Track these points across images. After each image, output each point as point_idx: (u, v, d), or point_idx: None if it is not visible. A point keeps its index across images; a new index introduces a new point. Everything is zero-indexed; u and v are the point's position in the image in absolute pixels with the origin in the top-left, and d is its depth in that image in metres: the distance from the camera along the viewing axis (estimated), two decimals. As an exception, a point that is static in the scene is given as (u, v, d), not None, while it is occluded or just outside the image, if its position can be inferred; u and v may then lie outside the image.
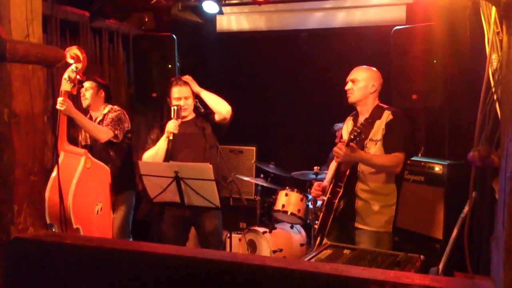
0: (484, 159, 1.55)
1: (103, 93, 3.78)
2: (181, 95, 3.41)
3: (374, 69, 3.13)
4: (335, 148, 2.89)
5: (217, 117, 3.42)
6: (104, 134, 3.56)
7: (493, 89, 1.61)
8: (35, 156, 1.92)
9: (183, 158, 3.34)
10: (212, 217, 3.43)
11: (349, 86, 3.07)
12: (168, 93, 3.48)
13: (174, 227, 3.48)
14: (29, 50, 1.84)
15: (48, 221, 3.13)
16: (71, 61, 3.20)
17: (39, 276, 1.86)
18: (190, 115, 3.50)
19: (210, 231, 3.45)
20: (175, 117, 3.30)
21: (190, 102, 3.46)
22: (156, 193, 3.15)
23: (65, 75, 3.22)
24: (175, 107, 3.31)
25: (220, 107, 3.42)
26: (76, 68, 3.21)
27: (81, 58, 3.20)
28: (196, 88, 3.47)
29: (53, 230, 3.13)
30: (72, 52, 3.19)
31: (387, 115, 3.00)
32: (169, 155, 3.32)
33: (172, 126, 3.28)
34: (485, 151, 1.54)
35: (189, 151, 3.40)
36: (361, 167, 2.99)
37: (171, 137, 3.27)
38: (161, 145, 3.33)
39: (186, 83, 3.44)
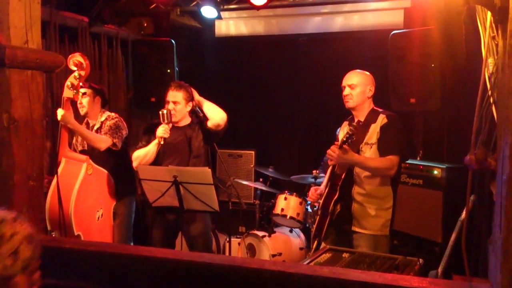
0: (481, 163, 1.56)
1: (99, 99, 3.77)
2: (170, 99, 3.37)
3: (368, 73, 3.14)
4: (328, 151, 2.90)
5: (209, 124, 3.35)
6: (103, 142, 3.56)
7: (489, 93, 1.62)
8: (34, 161, 1.93)
9: (168, 165, 3.31)
10: (197, 221, 3.40)
11: (347, 91, 3.07)
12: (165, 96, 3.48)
13: (161, 231, 3.48)
14: (28, 56, 1.85)
15: (48, 228, 3.12)
16: (74, 68, 3.20)
17: (38, 281, 1.86)
18: (182, 121, 3.44)
19: (195, 236, 3.43)
20: (165, 121, 3.27)
21: (179, 108, 3.37)
22: (155, 197, 3.15)
23: (68, 82, 3.22)
24: (164, 111, 3.28)
25: (215, 114, 3.36)
26: (79, 75, 3.20)
27: (84, 65, 3.20)
28: (197, 96, 3.44)
29: (53, 236, 3.13)
30: (76, 59, 3.19)
31: (382, 119, 3.01)
32: (157, 161, 3.33)
33: (161, 131, 3.25)
34: (481, 154, 1.55)
35: (174, 159, 3.38)
36: (357, 170, 3.00)
37: (162, 142, 3.26)
38: (151, 149, 3.31)
39: (179, 88, 3.38)
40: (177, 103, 3.37)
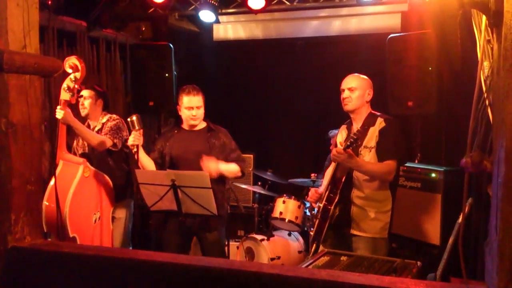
0: (477, 165, 1.56)
1: (101, 102, 3.78)
2: (193, 104, 3.35)
3: (367, 77, 3.15)
4: (333, 152, 2.91)
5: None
6: (103, 142, 3.57)
7: (485, 95, 1.63)
8: (32, 165, 1.93)
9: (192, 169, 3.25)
10: (213, 228, 3.41)
11: (346, 94, 3.07)
12: (177, 101, 3.45)
13: (177, 235, 3.45)
14: (26, 60, 1.85)
15: (45, 230, 3.13)
16: (69, 70, 3.21)
17: (37, 285, 1.86)
18: (200, 124, 3.46)
19: (212, 242, 3.44)
20: (135, 128, 3.19)
21: (202, 112, 3.39)
22: (153, 201, 3.15)
23: (64, 85, 3.23)
24: (133, 118, 3.19)
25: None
26: (75, 77, 3.21)
27: (79, 67, 3.21)
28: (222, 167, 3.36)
29: (49, 238, 3.13)
30: (71, 61, 3.20)
31: (380, 122, 3.03)
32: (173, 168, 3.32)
33: (132, 139, 3.20)
34: (477, 157, 1.55)
35: (195, 163, 3.28)
36: (356, 174, 3.02)
37: (135, 149, 3.20)
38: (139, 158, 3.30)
39: (198, 92, 3.38)
40: (200, 107, 3.38)
